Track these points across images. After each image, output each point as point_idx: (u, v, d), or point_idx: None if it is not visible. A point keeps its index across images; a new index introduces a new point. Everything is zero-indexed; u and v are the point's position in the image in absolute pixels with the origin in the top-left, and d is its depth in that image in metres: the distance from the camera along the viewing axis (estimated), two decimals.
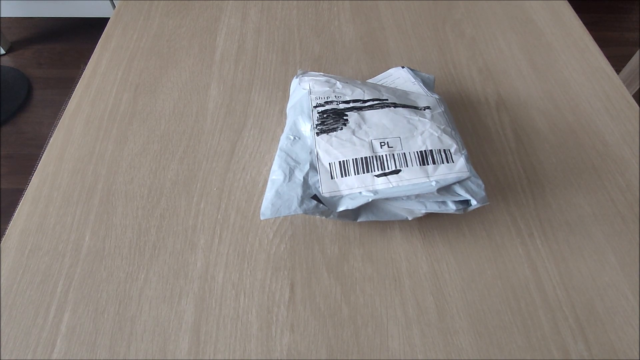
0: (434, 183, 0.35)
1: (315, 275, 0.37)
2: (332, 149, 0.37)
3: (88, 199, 0.42)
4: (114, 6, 1.69)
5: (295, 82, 0.44)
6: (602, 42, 1.77)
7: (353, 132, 0.37)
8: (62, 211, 0.41)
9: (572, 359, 0.33)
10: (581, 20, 0.58)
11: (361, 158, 0.36)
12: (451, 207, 0.35)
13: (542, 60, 0.53)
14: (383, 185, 0.35)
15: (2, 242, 0.39)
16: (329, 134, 0.37)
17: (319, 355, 0.33)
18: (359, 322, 0.34)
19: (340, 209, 0.35)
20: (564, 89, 0.50)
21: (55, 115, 1.56)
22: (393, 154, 0.36)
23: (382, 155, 0.36)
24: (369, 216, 0.37)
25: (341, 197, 0.35)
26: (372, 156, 0.36)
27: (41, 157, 0.45)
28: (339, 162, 0.36)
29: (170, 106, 0.49)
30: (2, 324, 0.35)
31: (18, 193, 1.36)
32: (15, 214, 0.41)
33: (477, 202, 0.35)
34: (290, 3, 0.61)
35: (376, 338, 0.34)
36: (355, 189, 0.35)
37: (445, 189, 0.35)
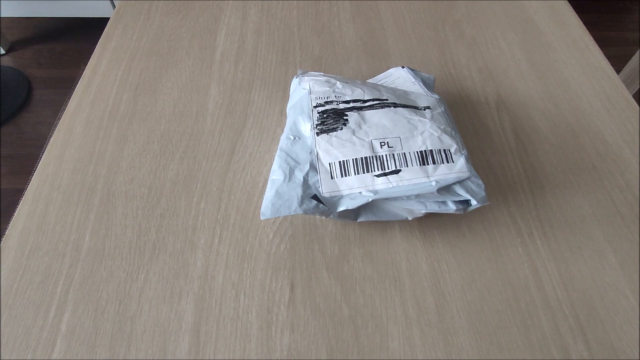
0: (434, 183, 0.35)
1: (315, 275, 0.37)
2: (332, 149, 0.37)
3: (88, 199, 0.42)
4: (114, 6, 1.69)
5: (295, 82, 0.44)
6: (602, 42, 1.77)
7: (353, 132, 0.37)
8: (62, 211, 0.41)
9: (572, 359, 0.33)
10: (581, 20, 0.58)
11: (361, 158, 0.36)
12: (451, 207, 0.35)
13: (542, 60, 0.53)
14: (383, 185, 0.35)
15: (2, 242, 0.39)
16: (329, 134, 0.37)
17: (319, 355, 0.33)
18: (359, 322, 0.34)
19: (340, 209, 0.35)
20: (564, 89, 0.50)
21: (55, 115, 1.56)
22: (393, 154, 0.36)
23: (382, 155, 0.36)
24: (369, 216, 0.37)
25: (341, 197, 0.35)
26: (372, 156, 0.36)
27: (41, 157, 0.45)
28: (339, 162, 0.36)
29: (170, 106, 0.49)
30: (2, 324, 0.35)
31: (18, 193, 1.36)
32: (15, 214, 0.41)
33: (477, 202, 0.35)
34: (290, 3, 0.61)
35: (376, 338, 0.34)
36: (355, 189, 0.35)
37: (446, 189, 0.35)
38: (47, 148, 0.46)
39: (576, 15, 0.59)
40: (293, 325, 0.34)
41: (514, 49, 0.55)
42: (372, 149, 0.36)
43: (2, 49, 1.78)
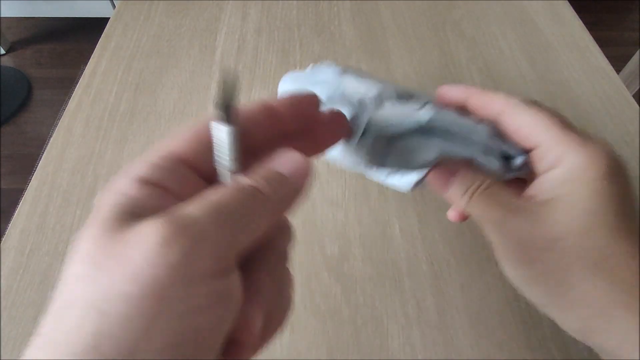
0: (485, 129, 0.27)
1: (315, 275, 0.37)
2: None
3: (88, 199, 0.42)
4: (114, 6, 1.69)
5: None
6: (602, 42, 1.77)
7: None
8: (62, 211, 0.41)
9: (572, 359, 0.33)
10: (581, 20, 0.58)
11: (398, 92, 0.28)
12: (495, 163, 0.27)
13: (542, 60, 0.53)
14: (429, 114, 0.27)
15: (2, 242, 0.39)
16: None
17: (319, 355, 0.33)
18: (359, 322, 0.34)
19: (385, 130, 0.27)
20: (564, 89, 0.50)
21: (55, 115, 1.56)
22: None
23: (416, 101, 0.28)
24: (394, 162, 0.28)
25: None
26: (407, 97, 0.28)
27: (41, 157, 0.45)
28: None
29: (170, 106, 0.49)
30: (2, 324, 0.35)
31: (18, 193, 1.36)
32: (15, 214, 0.41)
33: (521, 161, 0.27)
34: (290, 3, 0.61)
35: (376, 338, 0.34)
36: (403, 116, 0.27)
37: (494, 141, 0.27)
38: (47, 148, 0.46)
39: (576, 15, 0.59)
40: (293, 325, 0.34)
41: (514, 49, 0.55)
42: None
43: (2, 49, 1.78)
